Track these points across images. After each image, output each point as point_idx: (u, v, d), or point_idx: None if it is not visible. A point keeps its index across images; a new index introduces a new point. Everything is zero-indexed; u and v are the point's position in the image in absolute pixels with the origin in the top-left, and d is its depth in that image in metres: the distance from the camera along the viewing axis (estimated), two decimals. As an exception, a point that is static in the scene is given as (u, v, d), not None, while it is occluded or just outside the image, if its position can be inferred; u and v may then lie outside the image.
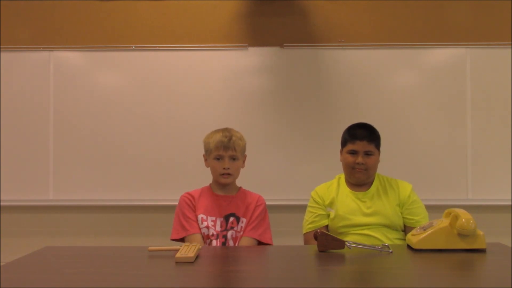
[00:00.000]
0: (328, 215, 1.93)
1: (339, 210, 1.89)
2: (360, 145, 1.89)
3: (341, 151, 1.99)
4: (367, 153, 1.89)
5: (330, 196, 1.95)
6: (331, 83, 2.95)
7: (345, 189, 1.96)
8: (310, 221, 1.95)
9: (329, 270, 1.25)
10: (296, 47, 2.97)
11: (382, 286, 1.08)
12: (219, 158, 1.83)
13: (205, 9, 3.01)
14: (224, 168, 1.82)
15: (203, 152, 1.92)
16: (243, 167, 1.91)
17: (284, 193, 2.92)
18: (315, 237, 1.49)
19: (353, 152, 1.91)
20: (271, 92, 2.97)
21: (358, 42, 2.97)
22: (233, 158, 1.83)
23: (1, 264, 1.30)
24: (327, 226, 1.94)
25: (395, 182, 1.96)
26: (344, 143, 1.96)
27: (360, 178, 1.91)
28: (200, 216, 1.81)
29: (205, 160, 1.90)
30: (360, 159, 1.88)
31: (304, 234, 1.97)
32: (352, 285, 1.09)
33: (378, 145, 1.93)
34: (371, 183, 1.95)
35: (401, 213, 1.89)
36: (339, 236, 1.80)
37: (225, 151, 1.81)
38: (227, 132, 1.85)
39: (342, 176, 2.02)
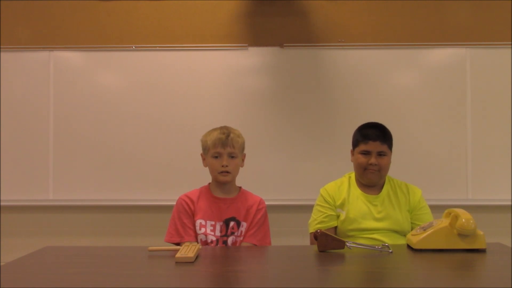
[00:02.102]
0: (338, 216, 1.89)
1: (350, 212, 1.86)
2: (373, 146, 1.86)
3: (352, 152, 1.96)
4: (380, 154, 1.86)
5: (341, 196, 1.91)
6: (331, 83, 2.95)
7: (356, 191, 1.92)
8: (319, 220, 1.90)
9: (329, 270, 1.25)
10: (296, 47, 2.97)
11: (382, 286, 1.08)
12: (217, 156, 1.78)
13: (205, 9, 3.01)
14: (222, 166, 1.76)
15: (201, 151, 1.88)
16: (242, 166, 1.86)
17: (284, 193, 2.92)
18: (315, 237, 1.48)
19: (366, 153, 1.87)
20: (271, 92, 2.97)
21: (358, 42, 2.97)
22: (232, 156, 1.78)
23: (1, 264, 1.30)
24: (335, 227, 1.90)
25: (405, 186, 1.94)
26: (356, 143, 1.93)
27: (372, 179, 1.88)
28: (199, 221, 1.75)
29: (203, 159, 1.85)
30: (373, 159, 1.85)
31: (311, 233, 1.92)
32: (352, 285, 1.09)
33: (390, 146, 1.90)
34: (382, 185, 1.92)
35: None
36: (348, 239, 1.78)
37: (223, 148, 1.76)
38: (225, 129, 1.81)
39: (353, 175, 1.99)
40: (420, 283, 1.11)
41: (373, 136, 1.86)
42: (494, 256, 1.39)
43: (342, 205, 1.89)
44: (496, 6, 2.98)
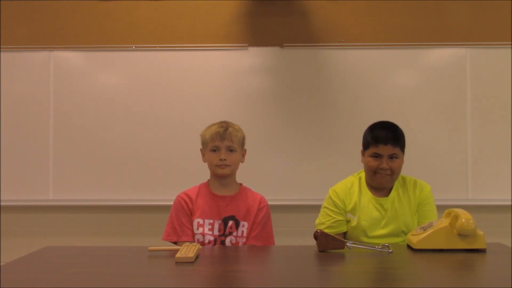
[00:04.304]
0: (348, 221, 1.84)
1: (361, 219, 1.80)
2: (384, 149, 1.76)
3: (363, 153, 1.86)
4: (392, 157, 1.76)
5: (352, 200, 1.83)
6: (331, 83, 2.95)
7: (367, 194, 1.84)
8: (328, 225, 1.84)
9: (329, 270, 1.25)
10: (296, 47, 2.97)
11: (382, 286, 1.08)
12: (215, 150, 1.75)
13: (205, 9, 3.01)
14: (220, 159, 1.73)
15: (201, 147, 1.85)
16: (242, 161, 1.83)
17: (284, 193, 2.92)
18: (315, 237, 1.48)
19: (377, 156, 1.78)
20: (271, 92, 2.97)
21: (358, 42, 2.97)
22: (230, 150, 1.75)
23: (1, 264, 1.30)
24: (344, 232, 1.85)
25: (414, 182, 1.87)
26: (366, 145, 1.83)
27: (383, 184, 1.80)
28: (197, 220, 1.73)
29: (203, 155, 1.83)
30: (384, 164, 1.75)
31: None
32: (352, 285, 1.09)
33: (403, 147, 1.80)
34: (392, 185, 1.85)
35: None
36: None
37: (221, 142, 1.74)
38: (223, 123, 1.80)
39: (363, 175, 1.90)
40: (420, 283, 1.11)
41: (384, 138, 1.76)
42: (494, 256, 1.39)
43: (353, 210, 1.83)
44: (496, 6, 2.98)
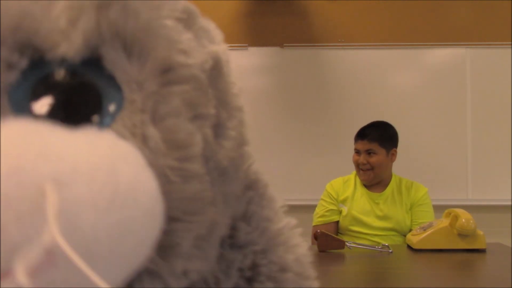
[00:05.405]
0: (340, 211, 1.92)
1: (352, 209, 1.87)
2: (361, 145, 1.87)
3: None
4: (369, 152, 1.85)
5: (345, 192, 1.92)
6: (331, 83, 2.95)
7: (361, 188, 1.92)
8: (321, 214, 1.93)
9: (329, 270, 1.25)
10: (296, 47, 2.97)
11: (382, 286, 1.08)
12: None
13: (205, 9, 2.97)
14: None
15: None
16: None
17: (284, 193, 2.89)
18: (315, 237, 1.49)
19: (357, 151, 1.89)
20: (271, 92, 2.97)
21: (358, 42, 2.97)
22: None
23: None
24: (337, 222, 1.92)
25: (411, 184, 1.93)
26: (354, 143, 1.96)
27: (365, 178, 1.88)
28: None
29: None
30: (361, 159, 1.85)
31: (313, 226, 1.94)
32: (352, 285, 1.09)
33: (384, 143, 1.87)
34: (387, 184, 1.92)
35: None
36: (349, 237, 1.81)
37: None
38: None
39: None
40: (420, 283, 1.12)
41: (362, 134, 1.88)
42: (494, 256, 1.39)
43: (344, 201, 1.91)
44: (496, 6, 2.97)
